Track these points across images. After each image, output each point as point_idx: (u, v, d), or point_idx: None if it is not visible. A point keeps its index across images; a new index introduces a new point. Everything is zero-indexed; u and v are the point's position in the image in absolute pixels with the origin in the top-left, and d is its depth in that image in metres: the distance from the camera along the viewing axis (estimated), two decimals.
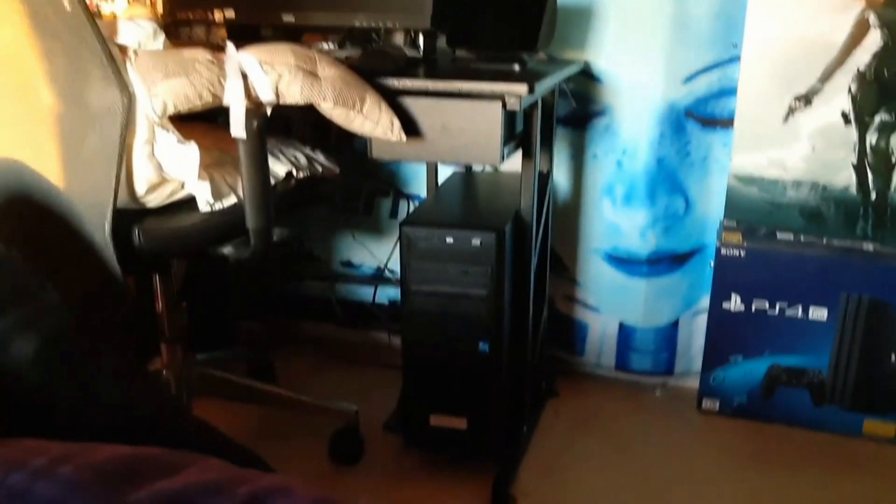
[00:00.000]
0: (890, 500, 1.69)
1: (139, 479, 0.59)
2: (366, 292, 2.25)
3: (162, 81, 1.28)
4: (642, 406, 2.04)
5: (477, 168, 2.03)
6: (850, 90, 1.75)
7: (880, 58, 1.71)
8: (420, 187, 2.10)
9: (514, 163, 1.65)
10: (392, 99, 1.45)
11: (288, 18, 1.71)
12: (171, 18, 1.84)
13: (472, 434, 1.66)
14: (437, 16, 1.62)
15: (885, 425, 1.89)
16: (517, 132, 1.59)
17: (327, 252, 2.25)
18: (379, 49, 1.69)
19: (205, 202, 1.42)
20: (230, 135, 1.39)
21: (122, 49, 1.30)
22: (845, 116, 1.77)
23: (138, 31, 1.34)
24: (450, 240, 1.55)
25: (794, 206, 1.84)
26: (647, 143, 1.90)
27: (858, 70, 1.73)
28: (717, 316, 1.93)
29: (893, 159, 1.77)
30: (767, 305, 1.89)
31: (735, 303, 1.91)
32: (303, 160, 1.65)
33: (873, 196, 1.79)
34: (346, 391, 2.03)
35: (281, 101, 1.37)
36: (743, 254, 1.88)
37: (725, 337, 1.94)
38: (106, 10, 1.63)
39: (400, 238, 1.59)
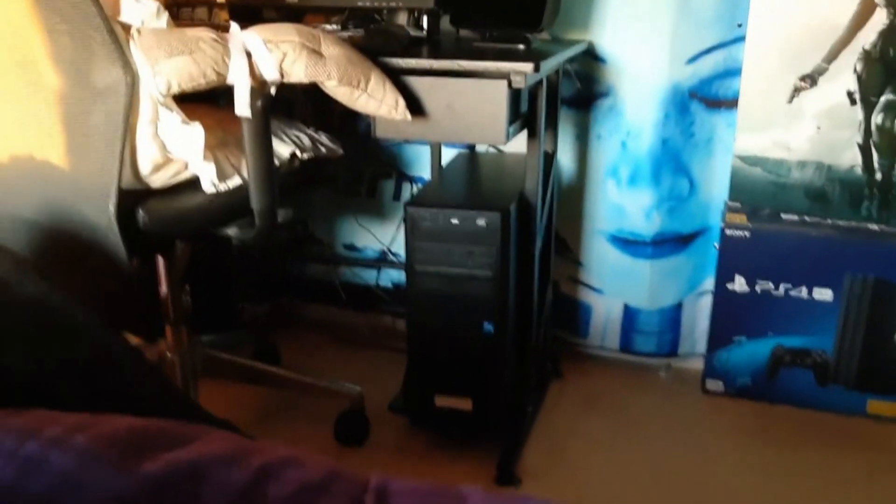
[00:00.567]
0: (895, 479, 1.70)
1: (152, 449, 0.59)
2: (369, 275, 2.25)
3: (166, 60, 1.27)
4: (646, 387, 2.04)
5: (481, 149, 2.02)
6: (855, 70, 1.74)
7: (886, 37, 1.70)
8: (423, 169, 2.10)
9: (518, 144, 1.64)
10: (396, 78, 1.45)
11: None
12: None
13: (477, 415, 1.66)
14: None
15: (889, 405, 1.89)
16: (522, 112, 1.58)
17: (330, 235, 2.25)
18: (383, 28, 1.68)
19: (209, 183, 1.42)
20: (233, 115, 1.39)
21: (125, 27, 1.29)
22: (851, 96, 1.76)
23: (142, 10, 1.33)
24: (454, 220, 1.55)
25: (798, 186, 1.84)
26: (652, 124, 1.90)
27: (864, 49, 1.72)
28: (721, 297, 1.93)
29: None
30: (772, 286, 1.89)
31: (739, 284, 1.91)
32: (306, 141, 1.64)
33: (879, 176, 1.79)
34: (351, 373, 2.03)
35: (285, 80, 1.36)
36: (747, 235, 1.88)
37: (730, 318, 1.94)
38: None
39: (405, 219, 1.58)
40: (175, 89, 1.28)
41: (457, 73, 1.45)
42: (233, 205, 1.46)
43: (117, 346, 0.91)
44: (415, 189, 2.12)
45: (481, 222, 1.53)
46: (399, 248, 2.18)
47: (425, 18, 1.73)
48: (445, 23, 1.74)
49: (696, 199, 1.97)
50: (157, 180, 1.40)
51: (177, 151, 1.37)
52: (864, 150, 1.78)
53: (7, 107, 1.41)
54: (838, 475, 1.70)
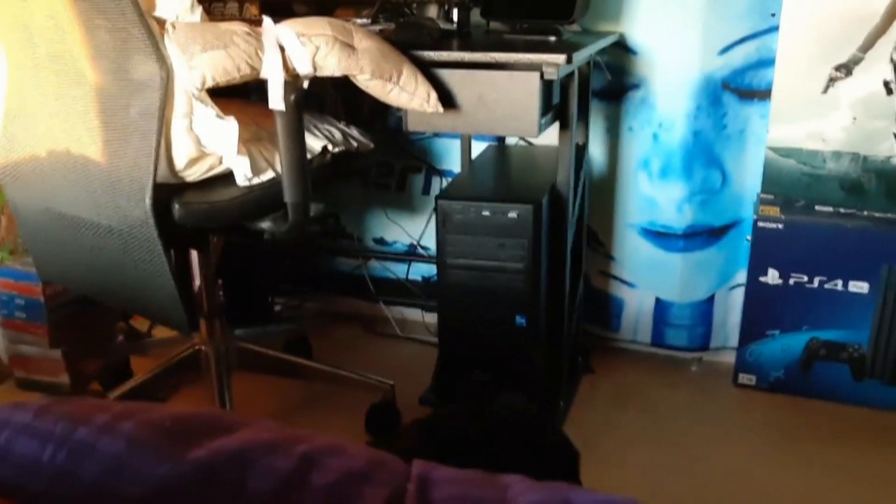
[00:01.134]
0: None
1: (198, 437, 0.60)
2: (398, 268, 2.25)
3: (200, 54, 1.28)
4: (678, 381, 2.03)
5: (510, 142, 2.02)
6: (892, 59, 1.71)
7: None
8: (452, 163, 2.10)
9: (549, 137, 1.64)
10: (428, 71, 1.45)
11: None
12: None
13: None
14: None
15: None
16: (554, 104, 1.57)
17: (360, 229, 2.25)
18: (413, 21, 1.68)
19: (243, 177, 1.42)
20: (266, 110, 1.40)
21: (160, 22, 1.30)
22: (887, 86, 1.73)
23: (176, 4, 1.34)
24: (486, 213, 1.55)
25: (833, 178, 1.82)
26: (684, 115, 1.88)
27: None
28: (754, 290, 1.91)
29: None
30: (806, 279, 1.86)
31: (773, 276, 1.89)
32: (337, 135, 1.65)
33: None
34: (380, 366, 2.04)
35: (318, 74, 1.37)
36: (781, 227, 1.86)
37: (763, 311, 1.92)
38: None
39: (436, 211, 1.59)
40: (210, 83, 1.29)
41: (489, 64, 1.44)
42: (266, 198, 1.47)
43: None
44: (444, 182, 2.12)
45: (513, 215, 1.53)
46: (428, 241, 2.18)
47: (455, 11, 1.73)
48: (475, 15, 1.74)
49: (728, 191, 1.96)
50: (192, 174, 1.41)
51: (211, 146, 1.38)
52: None
53: (45, 101, 1.42)
54: (874, 472, 1.68)
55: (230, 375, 1.78)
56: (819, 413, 1.89)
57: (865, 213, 1.81)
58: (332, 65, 1.36)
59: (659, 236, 1.99)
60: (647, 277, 2.04)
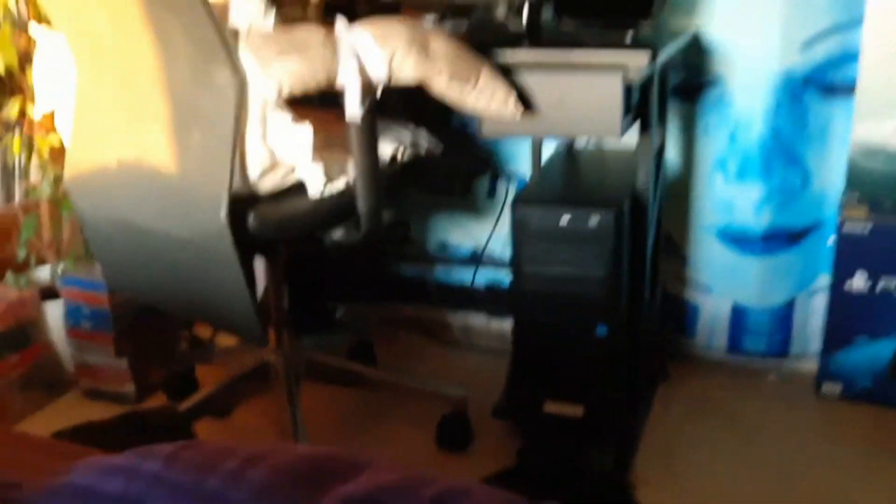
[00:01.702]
0: None
1: (326, 481, 0.56)
2: (462, 274, 2.20)
3: (276, 62, 1.25)
4: (757, 390, 1.95)
5: (579, 144, 1.95)
6: None
7: None
8: (519, 165, 2.04)
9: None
10: (505, 73, 1.39)
11: None
12: None
13: (588, 421, 1.60)
14: None
15: None
16: (633, 104, 1.51)
17: (423, 233, 2.21)
18: (487, 21, 1.62)
19: (317, 186, 1.39)
20: (332, 116, 1.36)
21: (234, 29, 1.27)
22: None
23: (249, 9, 1.31)
24: (565, 219, 1.49)
25: None
26: (762, 113, 1.80)
27: None
28: (839, 295, 1.83)
29: None
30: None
31: (859, 281, 1.80)
32: (406, 139, 1.60)
33: None
34: (446, 375, 2.00)
35: (393, 81, 1.32)
36: (868, 229, 1.77)
37: (849, 317, 1.83)
38: None
39: (512, 218, 1.53)
40: (286, 92, 1.25)
41: (569, 65, 1.39)
42: (339, 207, 1.43)
43: None
44: (510, 186, 2.06)
45: (594, 221, 1.47)
46: (494, 246, 2.12)
47: (526, 9, 1.66)
48: (545, 13, 1.67)
49: (809, 192, 1.87)
50: (266, 185, 1.38)
51: (285, 154, 1.35)
52: None
53: (115, 111, 1.40)
54: None
55: (299, 386, 1.74)
56: None
57: None
58: (408, 70, 1.32)
59: (736, 239, 1.91)
60: (723, 282, 1.96)
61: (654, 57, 1.36)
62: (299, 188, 1.41)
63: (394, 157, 1.54)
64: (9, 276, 1.93)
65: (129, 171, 1.43)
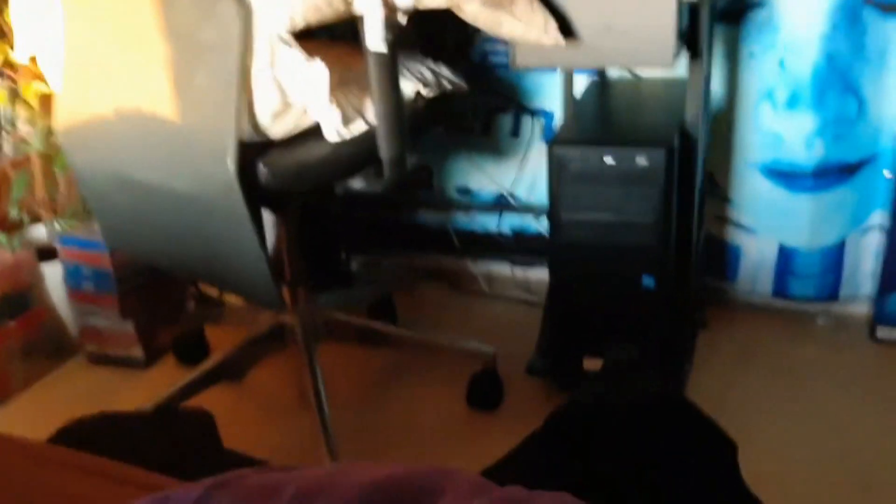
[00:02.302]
0: None
1: None
2: (486, 220, 2.06)
3: None
4: (806, 336, 1.83)
5: (612, 75, 1.79)
6: None
7: None
8: (545, 101, 1.88)
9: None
10: None
11: None
12: None
13: None
14: None
15: None
16: (682, 29, 1.35)
17: (441, 177, 2.06)
18: None
19: (334, 130, 1.24)
20: (348, 50, 1.21)
21: None
22: None
23: None
24: (610, 160, 1.34)
25: None
26: (816, 36, 1.64)
27: None
28: None
29: None
30: None
31: None
32: (429, 76, 1.45)
33: None
34: (472, 329, 1.88)
35: (420, 7, 1.17)
36: None
37: None
38: None
39: (549, 161, 1.39)
40: (299, 23, 1.10)
41: None
42: (359, 153, 1.29)
43: None
44: (536, 125, 1.91)
45: (642, 161, 1.33)
46: (520, 190, 1.98)
47: None
48: None
49: (864, 122, 1.72)
50: (278, 130, 1.23)
51: (298, 95, 1.20)
52: None
53: (109, 54, 1.25)
54: None
55: (317, 347, 1.62)
56: None
57: None
58: None
59: (784, 176, 1.77)
60: (769, 222, 1.82)
61: None
62: (314, 133, 1.27)
63: (417, 96, 1.39)
64: (1, 237, 1.79)
65: (127, 121, 1.28)
